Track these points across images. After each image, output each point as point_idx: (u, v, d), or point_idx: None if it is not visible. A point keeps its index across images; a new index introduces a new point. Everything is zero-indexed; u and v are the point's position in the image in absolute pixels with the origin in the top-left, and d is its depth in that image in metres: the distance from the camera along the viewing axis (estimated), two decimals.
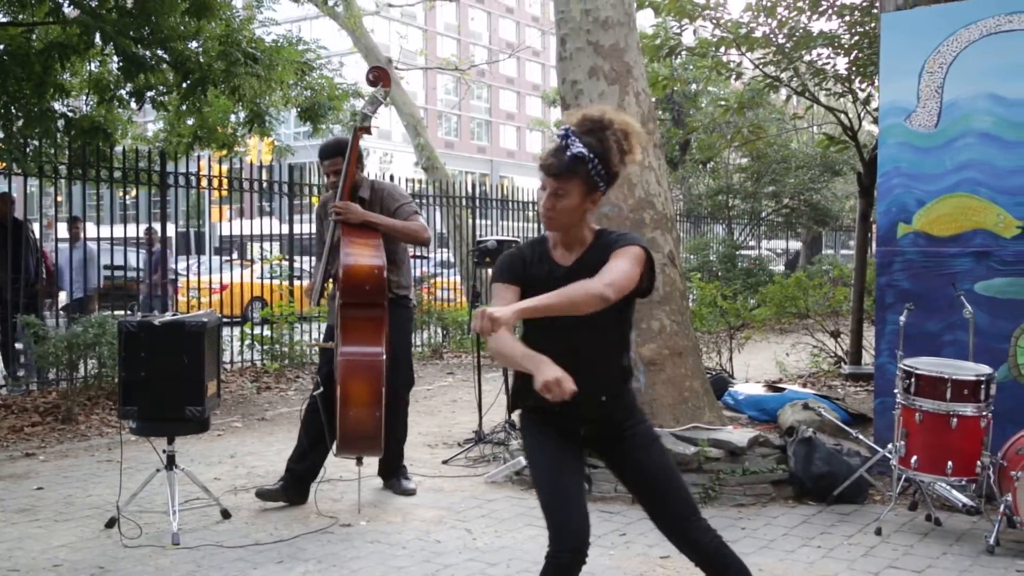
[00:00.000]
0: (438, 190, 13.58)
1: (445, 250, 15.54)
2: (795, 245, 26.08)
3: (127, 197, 11.35)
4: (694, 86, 20.63)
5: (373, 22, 21.25)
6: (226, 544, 4.44)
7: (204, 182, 9.74)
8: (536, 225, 15.56)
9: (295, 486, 5.13)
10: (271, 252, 12.60)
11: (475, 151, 59.10)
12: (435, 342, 12.21)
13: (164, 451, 4.69)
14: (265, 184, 10.78)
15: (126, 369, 4.56)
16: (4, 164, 8.14)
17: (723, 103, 9.70)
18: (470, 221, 13.78)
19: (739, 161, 19.76)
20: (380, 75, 5.14)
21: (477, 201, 13.99)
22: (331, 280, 5.16)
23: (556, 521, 2.69)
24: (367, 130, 4.99)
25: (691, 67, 18.52)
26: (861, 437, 5.53)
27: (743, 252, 19.31)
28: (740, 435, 5.43)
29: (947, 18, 5.33)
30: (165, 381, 4.52)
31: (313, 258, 5.61)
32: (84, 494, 5.41)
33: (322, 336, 5.80)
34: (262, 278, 12.07)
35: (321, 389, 4.96)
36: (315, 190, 11.04)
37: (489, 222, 14.41)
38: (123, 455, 5.38)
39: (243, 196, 10.60)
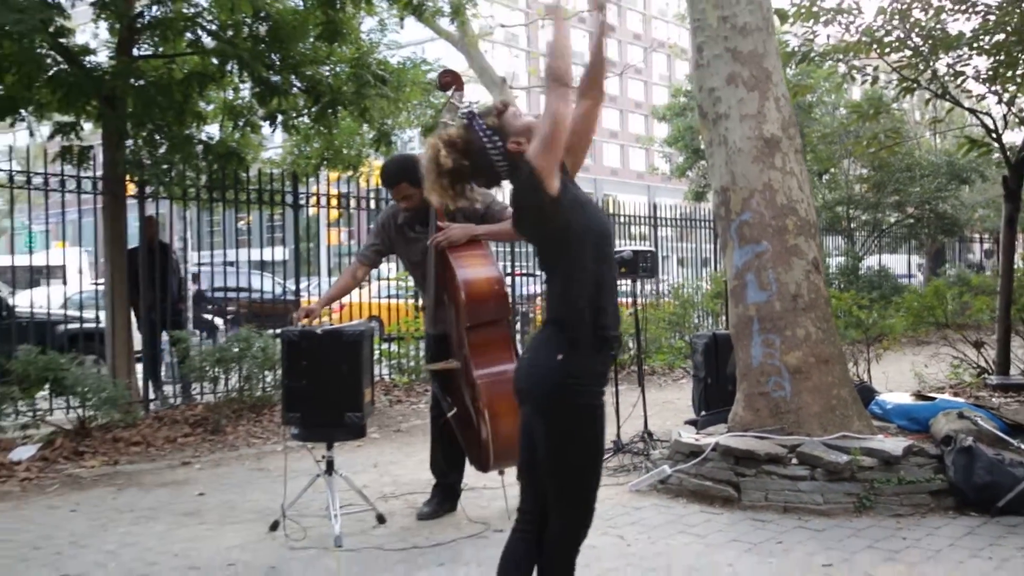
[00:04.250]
0: None
1: None
2: (915, 258, 25.30)
3: (249, 221, 11.76)
4: (809, 97, 20.33)
5: (484, 43, 21.68)
6: (386, 547, 4.58)
7: (334, 202, 10.07)
8: (643, 244, 15.47)
9: (449, 498, 5.24)
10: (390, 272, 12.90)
11: (579, 170, 59.16)
12: None
13: (324, 456, 4.87)
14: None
15: (289, 377, 4.75)
16: (152, 188, 8.57)
17: (856, 111, 9.54)
18: None
19: (859, 171, 19.32)
20: (453, 79, 4.73)
21: None
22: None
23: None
24: None
25: (804, 76, 18.27)
26: (1023, 447, 5.33)
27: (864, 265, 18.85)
28: (893, 444, 5.32)
29: None
30: (326, 388, 4.68)
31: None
32: (243, 499, 5.65)
33: (424, 349, 5.72)
34: (380, 297, 12.39)
35: (455, 410, 4.93)
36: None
37: None
38: (274, 463, 5.56)
39: (351, 217, 10.83)
